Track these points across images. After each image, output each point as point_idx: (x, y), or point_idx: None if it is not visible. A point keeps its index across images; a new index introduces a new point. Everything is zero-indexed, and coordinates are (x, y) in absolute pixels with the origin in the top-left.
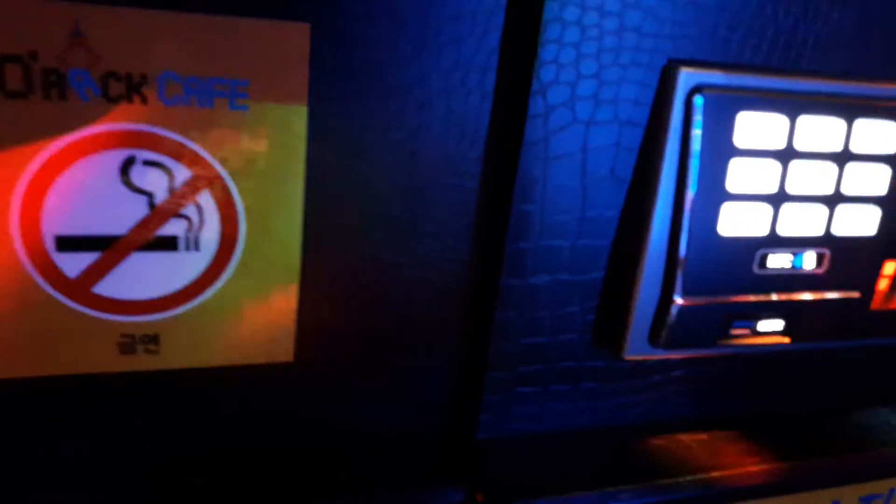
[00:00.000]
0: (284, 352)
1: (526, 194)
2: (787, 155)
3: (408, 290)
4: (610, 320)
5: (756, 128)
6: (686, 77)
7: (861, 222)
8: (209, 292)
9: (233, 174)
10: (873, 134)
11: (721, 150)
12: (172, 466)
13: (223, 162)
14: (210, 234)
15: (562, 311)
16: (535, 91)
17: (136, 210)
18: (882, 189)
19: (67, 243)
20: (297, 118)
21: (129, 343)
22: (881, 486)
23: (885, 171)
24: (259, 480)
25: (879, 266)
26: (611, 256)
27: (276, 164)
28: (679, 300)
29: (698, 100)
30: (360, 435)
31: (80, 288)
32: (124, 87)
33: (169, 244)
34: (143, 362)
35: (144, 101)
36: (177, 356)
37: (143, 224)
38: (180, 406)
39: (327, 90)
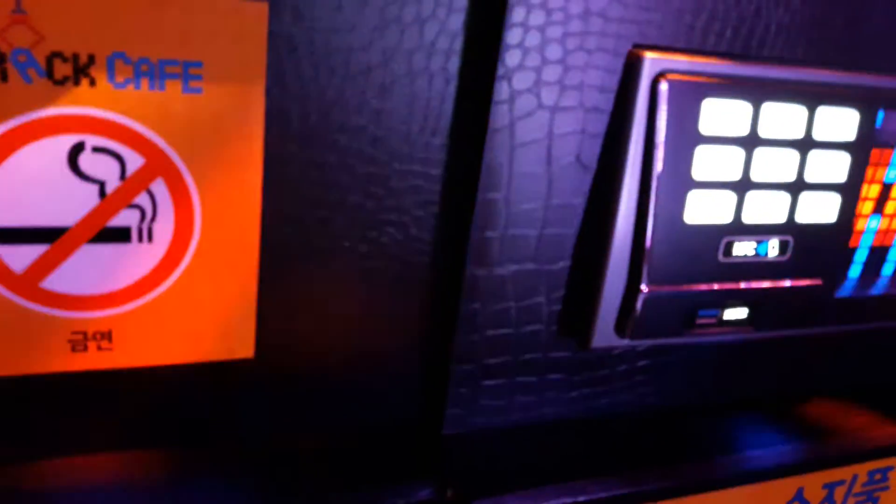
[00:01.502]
0: (244, 348)
1: (491, 182)
2: (751, 142)
3: (370, 281)
4: (576, 310)
5: (721, 115)
6: (651, 63)
7: (823, 209)
8: (164, 286)
9: (187, 161)
10: (834, 121)
11: (686, 137)
12: (128, 468)
13: (177, 148)
14: (164, 224)
15: (528, 302)
16: (501, 76)
17: (85, 200)
18: (842, 176)
19: (12, 235)
20: (254, 102)
21: (80, 340)
22: (844, 473)
23: (845, 158)
24: (220, 479)
25: (841, 253)
26: (577, 245)
27: (233, 150)
28: (645, 289)
29: (663, 86)
30: (325, 431)
31: (27, 283)
32: (70, 69)
33: (121, 235)
34: (95, 360)
35: (92, 83)
36: (131, 354)
37: (94, 214)
38: (136, 406)
39: (286, 73)
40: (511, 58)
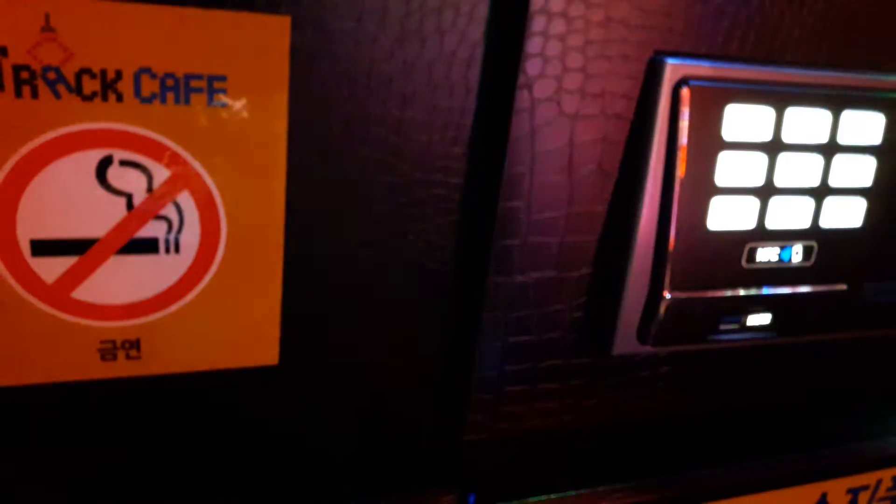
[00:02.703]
0: (269, 355)
1: (512, 191)
2: (774, 147)
3: (392, 289)
4: (598, 317)
5: (744, 120)
6: (673, 69)
7: (848, 215)
8: (191, 295)
9: (213, 173)
10: (859, 125)
11: (709, 142)
12: (156, 473)
13: (203, 160)
14: (191, 235)
15: (549, 309)
16: (521, 85)
17: (114, 212)
18: (867, 181)
19: (44, 247)
20: (277, 114)
21: (109, 349)
22: (868, 479)
23: (870, 162)
24: (245, 485)
25: (866, 258)
26: (598, 252)
27: (257, 161)
28: (668, 295)
29: (685, 92)
30: (348, 437)
31: (58, 293)
32: (98, 84)
33: (149, 247)
34: (124, 368)
35: (120, 98)
36: (159, 361)
37: (122, 226)
38: (163, 412)
39: (309, 85)
40: (532, 67)
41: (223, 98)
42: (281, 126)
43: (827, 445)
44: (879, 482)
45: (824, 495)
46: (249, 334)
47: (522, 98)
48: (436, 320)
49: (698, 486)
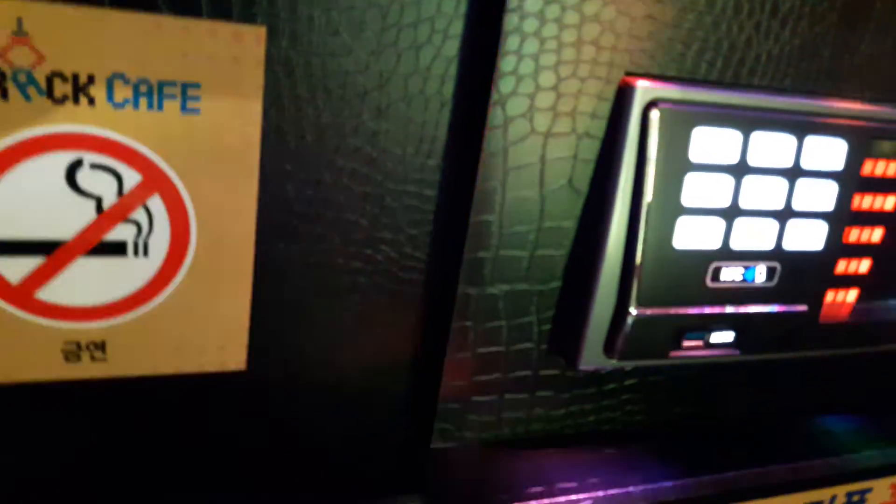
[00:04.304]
0: (236, 360)
1: (485, 204)
2: (740, 170)
3: (364, 297)
4: (565, 330)
5: (711, 143)
6: (642, 91)
7: (809, 237)
8: (158, 299)
9: (184, 178)
10: (822, 150)
11: (676, 164)
12: (119, 477)
13: (174, 166)
14: (160, 239)
15: (519, 321)
16: (495, 102)
17: (82, 214)
18: (829, 205)
19: (9, 247)
20: (251, 122)
21: (74, 350)
22: (824, 494)
23: (832, 187)
24: (210, 491)
25: (826, 280)
26: (567, 267)
27: (230, 168)
28: (634, 311)
29: (654, 114)
30: (314, 444)
31: (23, 293)
32: (70, 88)
33: (117, 249)
34: (88, 370)
35: (91, 102)
36: (124, 364)
37: (90, 228)
38: (128, 415)
39: (283, 94)
40: (505, 84)
41: (196, 105)
42: (254, 134)
43: (782, 462)
44: (834, 498)
45: None
46: (217, 339)
47: (496, 115)
48: (406, 329)
49: (658, 499)
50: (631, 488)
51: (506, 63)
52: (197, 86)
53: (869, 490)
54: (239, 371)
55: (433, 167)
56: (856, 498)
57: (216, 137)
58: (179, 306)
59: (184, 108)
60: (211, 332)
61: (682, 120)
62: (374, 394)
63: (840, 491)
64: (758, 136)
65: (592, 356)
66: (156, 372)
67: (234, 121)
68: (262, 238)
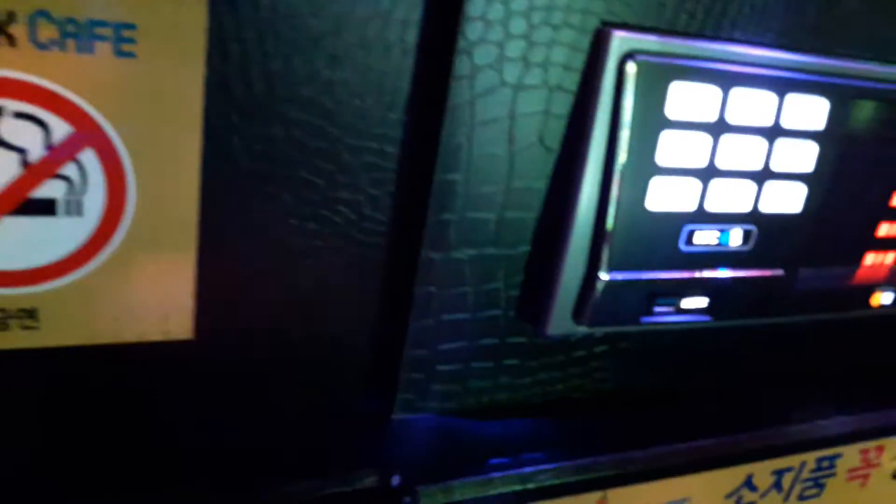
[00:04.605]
0: (183, 328)
1: (450, 162)
2: (718, 128)
3: (320, 261)
4: (534, 296)
5: (689, 99)
6: (619, 42)
7: (788, 200)
8: (94, 262)
9: (120, 130)
10: (803, 109)
11: (652, 121)
12: (56, 453)
13: (109, 116)
14: (94, 197)
15: (486, 287)
16: (461, 49)
17: (5, 169)
18: (809, 166)
19: None
20: (192, 68)
21: (2, 318)
22: (793, 461)
23: (812, 148)
24: (157, 466)
25: (804, 244)
26: (537, 230)
27: (170, 119)
28: (604, 276)
29: (631, 67)
30: (269, 416)
31: None
32: None
33: (46, 208)
34: (18, 339)
35: (13, 43)
36: (58, 333)
37: (15, 185)
38: (65, 388)
39: (227, 38)
40: (472, 30)
41: (132, 48)
42: (196, 82)
43: (752, 429)
44: (804, 464)
45: (750, 477)
46: (161, 306)
47: (462, 64)
48: (366, 295)
49: (626, 467)
50: (598, 458)
51: (473, 7)
52: (132, 27)
53: (839, 456)
54: (185, 340)
55: (395, 121)
56: (825, 464)
57: (154, 85)
58: (118, 271)
59: (117, 51)
60: (153, 298)
61: (659, 74)
62: (331, 364)
63: (810, 457)
64: (737, 93)
65: (561, 322)
66: (93, 341)
67: (174, 67)
68: (208, 197)
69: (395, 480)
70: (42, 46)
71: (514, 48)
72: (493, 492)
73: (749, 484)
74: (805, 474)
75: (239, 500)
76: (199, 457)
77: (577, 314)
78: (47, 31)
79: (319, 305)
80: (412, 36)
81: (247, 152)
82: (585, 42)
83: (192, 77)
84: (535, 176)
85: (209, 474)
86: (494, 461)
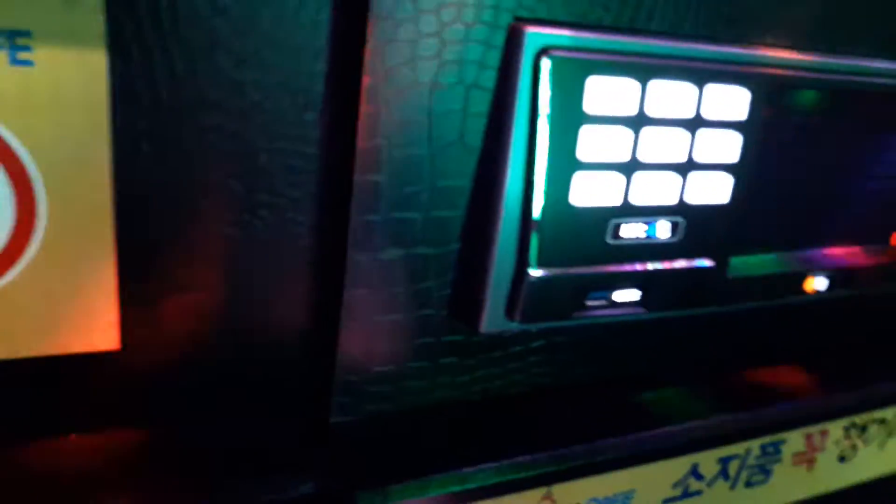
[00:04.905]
0: (108, 339)
1: (369, 163)
2: (638, 122)
3: (246, 267)
4: (466, 294)
5: (607, 93)
6: (532, 38)
7: (714, 190)
8: (7, 276)
9: (24, 140)
10: (724, 99)
11: (571, 116)
12: None
13: (11, 127)
14: (2, 211)
15: (417, 287)
16: (372, 49)
17: None
18: (733, 156)
19: None
20: (95, 75)
21: None
22: (738, 448)
23: (735, 137)
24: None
25: (733, 234)
26: (464, 228)
27: (77, 127)
28: (533, 273)
29: (545, 63)
30: (202, 423)
31: None
32: None
33: None
34: None
35: None
36: None
37: None
38: None
39: (130, 39)
40: (381, 30)
41: (28, 56)
42: (100, 89)
43: (694, 419)
44: (749, 451)
45: (695, 466)
46: (83, 317)
47: (373, 63)
48: (295, 299)
49: (568, 462)
50: (538, 454)
51: (380, 5)
52: (27, 34)
53: (783, 441)
54: (111, 351)
55: (311, 122)
56: (770, 450)
57: (57, 93)
58: (35, 284)
59: (13, 59)
60: (75, 310)
61: (575, 69)
62: (263, 371)
63: (754, 444)
64: (656, 85)
65: (495, 319)
66: (14, 355)
67: (76, 74)
68: (123, 206)
69: (332, 487)
70: None
71: (427, 47)
72: (432, 493)
73: (695, 473)
74: (751, 461)
75: None
76: (130, 466)
77: (510, 311)
78: None
79: (249, 310)
80: (322, 36)
81: (159, 159)
82: (500, 39)
83: (96, 83)
84: (459, 174)
85: (139, 483)
86: (434, 463)
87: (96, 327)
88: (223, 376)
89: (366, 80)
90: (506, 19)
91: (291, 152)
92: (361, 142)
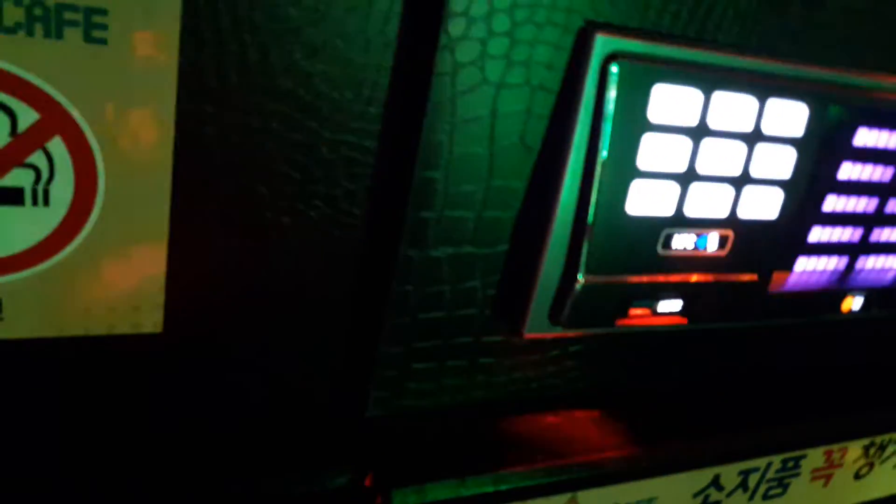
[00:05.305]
0: (152, 322)
1: (430, 160)
2: (699, 132)
3: (294, 256)
4: (511, 296)
5: (670, 102)
6: (602, 43)
7: (765, 205)
8: (62, 254)
9: (89, 119)
10: (783, 115)
11: (634, 123)
12: (23, 449)
13: (78, 104)
14: (63, 187)
15: (463, 286)
16: (443, 46)
17: None
18: (786, 172)
19: None
20: (165, 56)
21: None
22: (759, 462)
23: (791, 153)
24: (123, 462)
25: (778, 250)
26: (515, 230)
27: (141, 108)
28: (582, 279)
29: (613, 68)
30: (239, 413)
31: None
32: None
33: (12, 197)
34: None
35: None
36: (24, 325)
37: None
38: (30, 381)
39: (202, 27)
40: (455, 27)
41: (103, 34)
42: (170, 70)
43: (720, 431)
44: (769, 464)
45: (717, 477)
46: (130, 299)
47: (444, 60)
48: (341, 292)
49: (598, 469)
50: (570, 459)
51: (456, 2)
52: (103, 12)
53: (804, 457)
54: (154, 334)
55: (374, 116)
56: (791, 464)
57: (126, 73)
58: (87, 262)
59: (87, 37)
60: (123, 291)
61: (642, 76)
62: (304, 360)
63: (776, 459)
64: (719, 97)
65: (538, 323)
66: (60, 333)
67: (147, 54)
68: (180, 188)
69: (368, 482)
70: (8, 31)
71: (497, 46)
72: (465, 493)
73: (716, 484)
74: (770, 474)
75: (209, 499)
76: (168, 453)
77: (554, 316)
78: (14, 15)
79: (293, 301)
80: (393, 29)
81: (221, 143)
82: (569, 41)
83: (166, 65)
84: (516, 175)
85: (178, 471)
86: (469, 462)
87: (143, 309)
88: (261, 364)
89: (434, 77)
90: (577, 22)
91: (351, 144)
92: (424, 138)
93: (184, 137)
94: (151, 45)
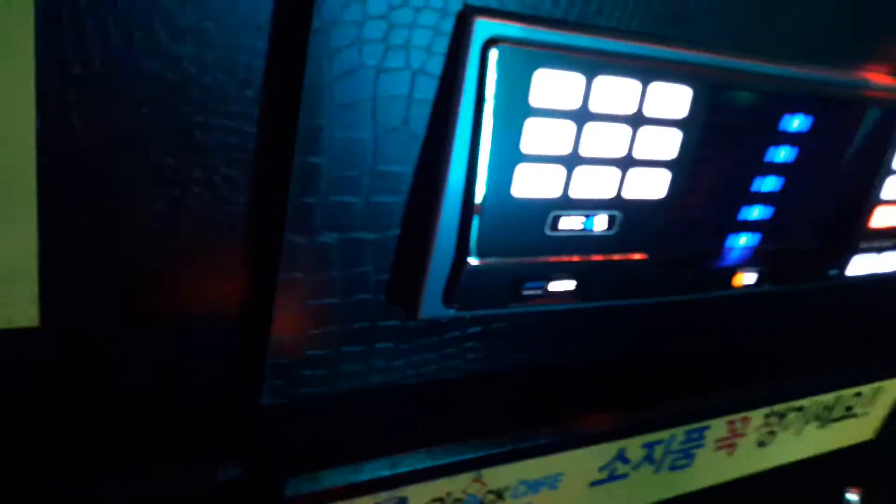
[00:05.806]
0: (27, 316)
1: (310, 145)
2: (582, 116)
3: (177, 246)
4: (404, 280)
5: (553, 86)
6: (482, 27)
7: (651, 186)
8: None
9: None
10: (666, 97)
11: (516, 108)
12: None
13: None
14: None
15: (354, 271)
16: (317, 29)
17: None
18: (672, 153)
19: None
20: (20, 41)
21: None
22: (663, 434)
23: (676, 135)
24: (5, 464)
25: (667, 228)
26: (405, 214)
27: None
28: (472, 261)
29: (493, 53)
30: (125, 407)
31: None
32: None
33: None
34: None
35: None
36: None
37: None
38: None
39: (60, 9)
40: (327, 9)
41: None
42: (26, 55)
43: (622, 405)
44: (674, 436)
45: (622, 451)
46: (2, 293)
47: (318, 43)
48: (228, 280)
49: (499, 447)
50: (470, 438)
51: None
52: None
53: (707, 428)
54: (31, 328)
55: (251, 100)
56: (695, 436)
57: None
58: None
59: None
60: None
61: (523, 61)
62: (194, 352)
63: (679, 430)
64: (601, 81)
65: (432, 306)
66: None
67: (1, 39)
68: (47, 178)
69: (261, 472)
70: None
71: (374, 29)
72: (362, 478)
73: (622, 457)
74: (675, 446)
75: (95, 494)
76: (50, 449)
77: (447, 298)
78: None
79: (179, 291)
80: (265, 11)
81: (88, 131)
82: (448, 25)
83: (21, 47)
84: (402, 160)
85: (62, 467)
86: (365, 447)
87: (15, 304)
88: (150, 358)
89: (309, 60)
90: (456, 6)
91: (229, 129)
92: (302, 122)
93: (47, 125)
94: (3, 27)
